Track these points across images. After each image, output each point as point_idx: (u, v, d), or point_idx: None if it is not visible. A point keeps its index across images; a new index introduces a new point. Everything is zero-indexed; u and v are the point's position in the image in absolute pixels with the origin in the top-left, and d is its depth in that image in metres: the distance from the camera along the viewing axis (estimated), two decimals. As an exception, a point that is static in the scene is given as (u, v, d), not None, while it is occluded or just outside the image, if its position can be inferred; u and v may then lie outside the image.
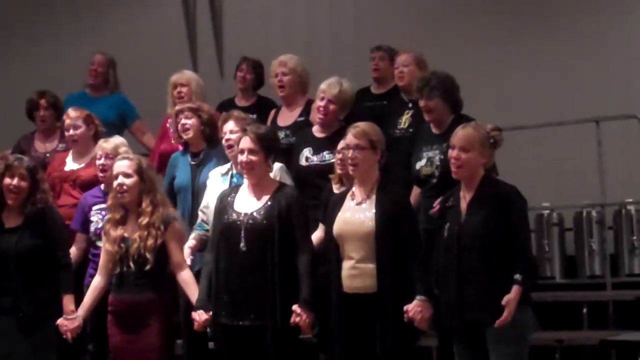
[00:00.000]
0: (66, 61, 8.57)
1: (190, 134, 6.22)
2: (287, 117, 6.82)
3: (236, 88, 7.50)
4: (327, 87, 6.25)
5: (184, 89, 6.90)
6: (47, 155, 7.01)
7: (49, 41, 9.25)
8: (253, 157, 5.26)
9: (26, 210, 5.56)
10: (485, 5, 8.70)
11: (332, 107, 6.22)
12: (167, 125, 6.94)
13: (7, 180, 5.57)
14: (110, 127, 6.91)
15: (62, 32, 9.24)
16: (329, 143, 6.04)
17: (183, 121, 6.22)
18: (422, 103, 5.89)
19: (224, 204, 5.33)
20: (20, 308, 5.48)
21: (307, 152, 6.20)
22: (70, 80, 7.91)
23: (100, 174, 6.02)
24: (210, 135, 6.22)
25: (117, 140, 6.20)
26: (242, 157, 5.29)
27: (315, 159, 6.17)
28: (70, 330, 5.48)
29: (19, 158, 5.76)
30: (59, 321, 5.49)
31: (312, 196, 5.81)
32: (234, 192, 5.38)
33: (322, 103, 6.22)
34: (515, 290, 4.82)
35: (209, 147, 6.24)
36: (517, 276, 4.83)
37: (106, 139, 6.21)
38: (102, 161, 6.00)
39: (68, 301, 5.53)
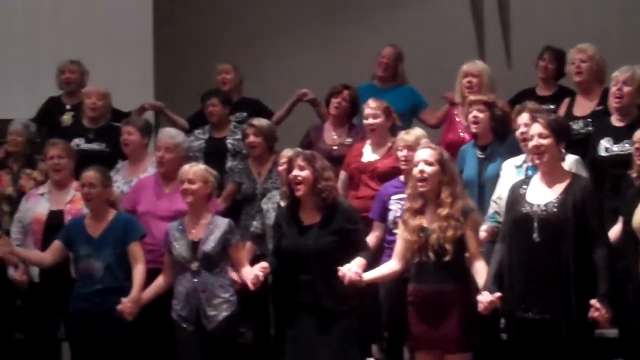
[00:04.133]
0: (356, 53, 8.78)
1: (480, 128, 6.22)
2: (584, 107, 6.75)
3: (537, 78, 7.44)
4: (619, 73, 6.22)
5: (475, 80, 6.86)
6: (335, 148, 7.15)
7: (340, 35, 9.48)
8: (543, 142, 5.16)
9: (321, 207, 5.60)
10: None
11: (626, 89, 6.16)
12: (455, 113, 7.00)
13: (290, 175, 5.68)
14: (400, 118, 6.98)
15: (354, 25, 9.44)
16: (630, 132, 5.89)
17: (475, 114, 6.23)
18: None
19: (517, 195, 5.27)
20: (320, 304, 5.52)
21: (606, 142, 6.11)
22: (358, 71, 8.08)
23: (403, 166, 6.07)
24: (500, 132, 6.20)
25: (418, 132, 6.26)
26: (533, 143, 5.21)
27: (615, 149, 6.07)
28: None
29: (296, 151, 5.86)
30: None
31: (612, 187, 5.71)
32: (526, 184, 5.30)
33: (616, 87, 6.17)
34: None
35: (497, 141, 6.21)
36: None
37: (408, 131, 6.27)
38: (404, 153, 6.06)
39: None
